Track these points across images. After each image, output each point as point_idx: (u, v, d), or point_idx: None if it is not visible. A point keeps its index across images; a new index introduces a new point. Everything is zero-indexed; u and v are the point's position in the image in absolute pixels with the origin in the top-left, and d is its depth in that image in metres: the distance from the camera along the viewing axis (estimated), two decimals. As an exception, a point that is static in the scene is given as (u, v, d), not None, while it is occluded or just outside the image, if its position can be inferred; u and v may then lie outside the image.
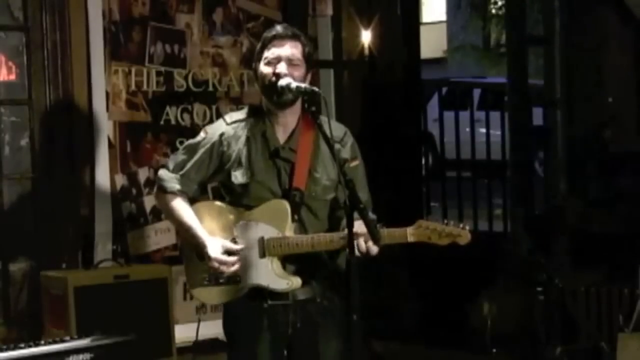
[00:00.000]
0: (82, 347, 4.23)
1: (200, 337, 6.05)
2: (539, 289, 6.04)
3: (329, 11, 6.93)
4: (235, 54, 6.49)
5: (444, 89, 11.48)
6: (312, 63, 4.04)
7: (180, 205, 4.04)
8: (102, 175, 5.96)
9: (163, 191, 4.06)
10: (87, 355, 4.22)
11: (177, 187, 4.03)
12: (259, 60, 3.97)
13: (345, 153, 4.01)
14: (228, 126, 4.03)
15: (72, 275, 5.54)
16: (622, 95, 6.74)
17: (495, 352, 6.34)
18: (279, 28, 4.00)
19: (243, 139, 3.99)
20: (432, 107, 9.44)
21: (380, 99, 7.17)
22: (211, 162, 4.02)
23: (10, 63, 5.93)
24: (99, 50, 5.94)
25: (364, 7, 7.13)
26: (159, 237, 6.17)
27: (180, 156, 4.08)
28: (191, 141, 4.10)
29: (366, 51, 7.13)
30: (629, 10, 6.51)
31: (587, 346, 5.97)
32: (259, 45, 4.01)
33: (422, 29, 8.58)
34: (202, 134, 4.07)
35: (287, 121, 3.99)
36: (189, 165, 4.03)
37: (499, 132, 8.16)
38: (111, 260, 5.87)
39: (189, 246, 4.06)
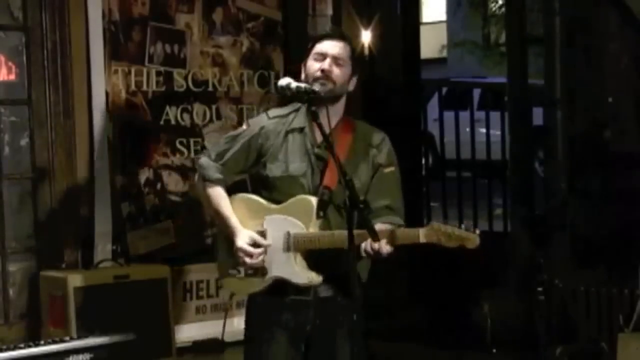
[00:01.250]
0: (82, 347, 4.23)
1: (200, 337, 6.10)
2: (539, 289, 6.03)
3: (329, 11, 6.92)
4: (235, 53, 6.49)
5: (444, 89, 11.48)
6: (358, 67, 4.12)
7: (219, 194, 4.12)
8: (102, 175, 5.96)
9: (203, 179, 4.14)
10: (87, 355, 4.23)
11: (218, 175, 4.12)
12: (307, 56, 4.08)
13: (381, 159, 4.12)
14: (269, 120, 4.13)
15: (72, 275, 5.55)
16: (622, 95, 6.71)
17: (495, 352, 6.34)
18: (328, 28, 4.08)
19: (282, 134, 4.09)
20: (432, 107, 9.43)
21: (380, 99, 7.16)
22: (250, 153, 4.11)
23: (10, 63, 5.93)
24: (99, 50, 5.94)
25: (363, 7, 7.12)
26: (158, 237, 6.17)
27: (221, 146, 4.17)
28: (233, 132, 4.23)
29: (366, 51, 7.12)
30: (629, 10, 6.49)
31: (587, 346, 5.97)
32: (309, 44, 4.11)
33: (422, 28, 8.57)
34: (244, 126, 4.19)
35: (327, 121, 4.02)
36: (229, 154, 4.12)
37: (499, 132, 8.15)
38: (111, 260, 5.87)
39: (223, 235, 4.13)
